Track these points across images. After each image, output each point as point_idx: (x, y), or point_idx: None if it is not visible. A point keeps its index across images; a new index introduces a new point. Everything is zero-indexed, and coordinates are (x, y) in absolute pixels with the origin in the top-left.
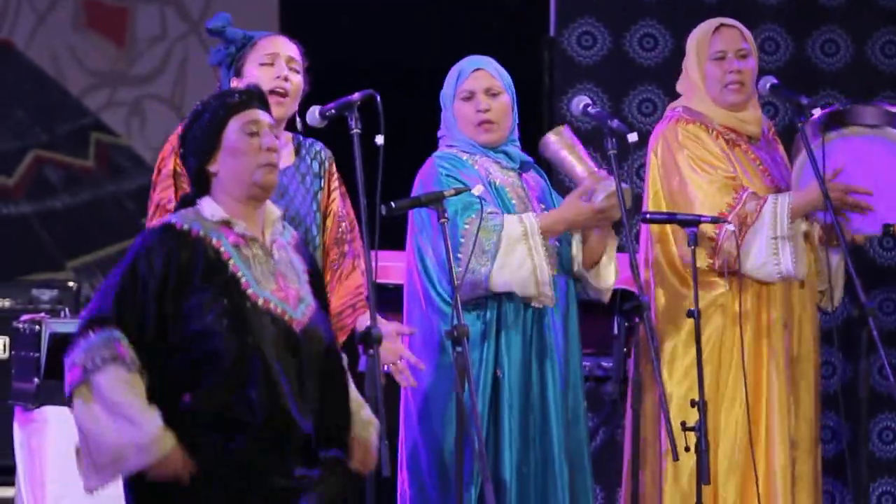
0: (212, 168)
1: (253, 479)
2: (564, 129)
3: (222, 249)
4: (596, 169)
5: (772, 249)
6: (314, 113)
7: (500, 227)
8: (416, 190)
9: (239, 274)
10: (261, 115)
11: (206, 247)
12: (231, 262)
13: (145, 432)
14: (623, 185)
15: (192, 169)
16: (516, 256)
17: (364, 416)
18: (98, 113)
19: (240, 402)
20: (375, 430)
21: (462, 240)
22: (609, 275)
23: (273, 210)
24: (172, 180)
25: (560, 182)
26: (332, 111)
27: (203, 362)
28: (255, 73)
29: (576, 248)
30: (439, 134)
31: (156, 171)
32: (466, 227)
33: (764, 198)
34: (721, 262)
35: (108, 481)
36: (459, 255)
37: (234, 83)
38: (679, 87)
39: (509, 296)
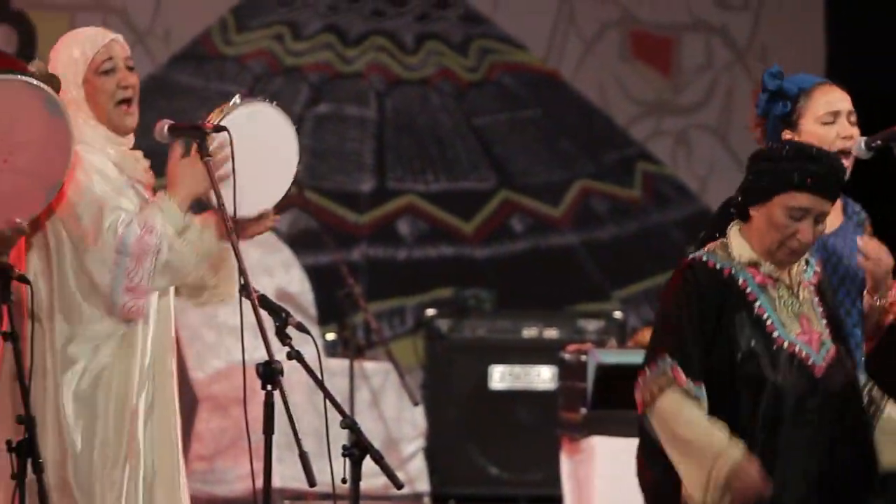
0: (752, 211)
1: None
2: None
3: (749, 290)
4: None
5: None
6: (861, 144)
7: None
8: None
9: (765, 316)
10: (813, 204)
11: (734, 286)
12: (757, 303)
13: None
14: None
15: (741, 197)
16: None
17: None
18: (644, 142)
19: (758, 448)
20: None
21: None
22: None
23: None
24: None
25: None
26: (879, 142)
27: (721, 403)
28: (815, 129)
29: None
30: None
31: None
32: None
33: None
34: None
35: None
36: None
37: (787, 134)
38: None
39: None
